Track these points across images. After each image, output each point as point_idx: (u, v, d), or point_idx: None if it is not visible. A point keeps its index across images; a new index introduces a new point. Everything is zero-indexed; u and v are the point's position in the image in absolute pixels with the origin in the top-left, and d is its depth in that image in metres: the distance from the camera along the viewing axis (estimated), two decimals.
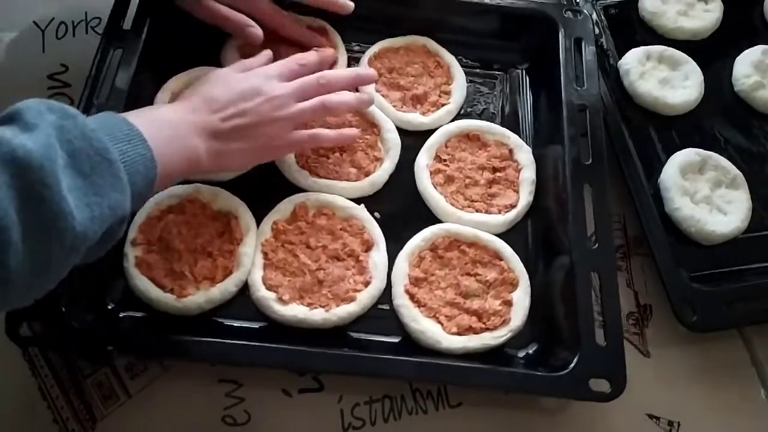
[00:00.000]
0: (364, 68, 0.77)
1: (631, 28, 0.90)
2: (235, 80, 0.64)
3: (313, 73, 0.67)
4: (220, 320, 0.63)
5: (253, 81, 0.63)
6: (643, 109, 0.82)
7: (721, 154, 0.78)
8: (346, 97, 0.69)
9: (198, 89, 0.63)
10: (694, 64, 0.85)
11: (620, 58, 0.85)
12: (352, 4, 0.76)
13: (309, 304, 0.62)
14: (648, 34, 0.89)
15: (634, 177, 0.74)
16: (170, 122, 0.57)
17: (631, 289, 0.72)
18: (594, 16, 0.88)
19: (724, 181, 0.77)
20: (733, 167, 0.77)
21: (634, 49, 0.85)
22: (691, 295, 0.67)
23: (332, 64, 0.76)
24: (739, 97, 0.85)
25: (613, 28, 0.89)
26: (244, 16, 0.70)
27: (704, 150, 0.77)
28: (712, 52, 0.88)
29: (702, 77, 0.83)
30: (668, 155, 0.77)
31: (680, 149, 0.78)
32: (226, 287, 0.62)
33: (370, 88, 0.76)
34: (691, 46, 0.88)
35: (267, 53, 0.70)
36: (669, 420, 0.66)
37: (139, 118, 0.52)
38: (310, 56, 0.70)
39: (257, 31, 0.70)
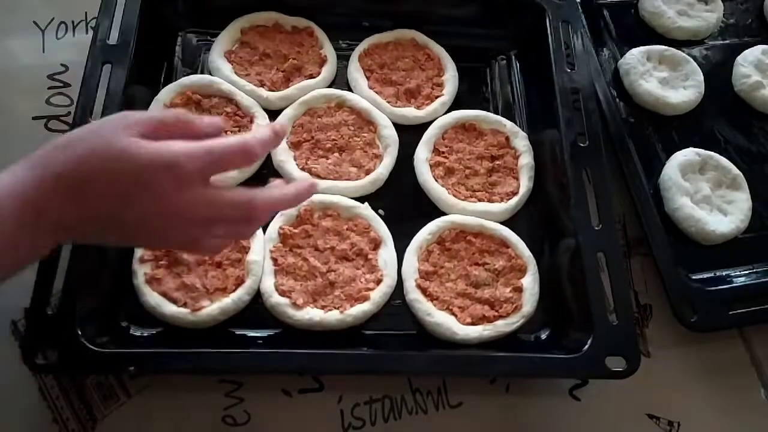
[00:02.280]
0: (302, 182, 0.52)
1: (631, 28, 0.90)
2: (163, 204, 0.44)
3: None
4: (235, 330, 0.62)
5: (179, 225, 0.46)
6: (643, 109, 0.82)
7: (721, 154, 0.78)
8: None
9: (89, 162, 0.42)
10: (694, 64, 0.85)
11: (620, 58, 0.85)
12: None
13: (323, 307, 0.62)
14: (648, 34, 0.89)
15: (634, 177, 0.74)
16: None
17: (631, 289, 0.72)
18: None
19: (724, 181, 0.77)
20: (733, 167, 0.77)
21: (634, 49, 0.85)
22: (691, 295, 0.67)
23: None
24: (739, 97, 0.85)
25: (612, 28, 0.89)
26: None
27: (704, 150, 0.78)
28: (712, 52, 0.89)
29: (702, 77, 0.84)
30: (668, 155, 0.78)
31: (680, 149, 0.78)
32: (239, 297, 0.62)
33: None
34: (691, 46, 0.88)
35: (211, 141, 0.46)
36: (669, 420, 0.66)
37: None
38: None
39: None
